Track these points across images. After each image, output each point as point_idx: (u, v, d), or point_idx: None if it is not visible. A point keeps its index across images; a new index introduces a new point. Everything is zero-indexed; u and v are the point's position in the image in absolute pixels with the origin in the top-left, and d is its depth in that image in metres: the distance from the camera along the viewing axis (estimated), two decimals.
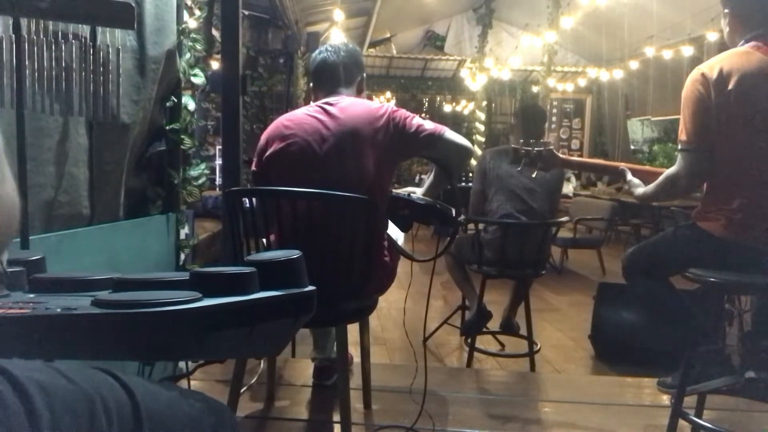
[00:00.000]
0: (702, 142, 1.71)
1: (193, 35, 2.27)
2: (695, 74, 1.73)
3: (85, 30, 1.64)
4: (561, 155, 2.12)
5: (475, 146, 8.89)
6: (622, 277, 2.09)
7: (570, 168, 2.23)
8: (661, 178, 1.83)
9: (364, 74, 1.97)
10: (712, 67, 1.71)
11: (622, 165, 2.02)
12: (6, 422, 0.47)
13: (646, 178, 1.97)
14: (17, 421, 0.48)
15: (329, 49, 1.90)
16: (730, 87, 1.65)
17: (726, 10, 1.79)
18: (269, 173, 1.80)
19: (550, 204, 2.92)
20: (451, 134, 1.77)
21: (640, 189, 1.91)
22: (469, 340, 2.92)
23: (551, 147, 2.07)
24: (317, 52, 1.93)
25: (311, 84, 1.96)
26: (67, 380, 0.56)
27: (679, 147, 1.76)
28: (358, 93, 1.92)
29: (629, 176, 1.95)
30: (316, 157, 1.71)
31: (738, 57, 1.72)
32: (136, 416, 0.60)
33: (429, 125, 1.76)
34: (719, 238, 1.74)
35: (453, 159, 1.80)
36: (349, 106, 1.77)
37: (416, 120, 1.76)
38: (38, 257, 0.91)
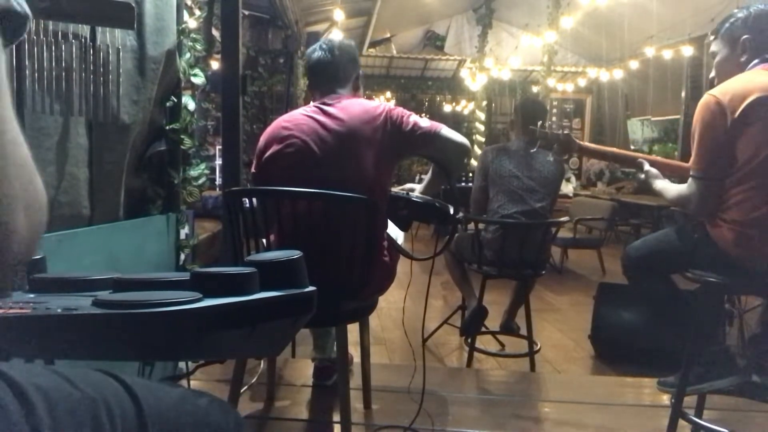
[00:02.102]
0: (712, 170, 1.68)
1: (193, 35, 2.27)
2: (707, 99, 1.68)
3: (85, 30, 1.64)
4: (579, 141, 2.09)
5: (475, 146, 8.90)
6: (622, 273, 2.06)
7: (587, 155, 2.19)
8: (676, 192, 1.81)
9: (360, 71, 1.96)
10: (723, 91, 1.66)
11: (641, 157, 1.99)
12: (6, 428, 0.47)
13: (663, 170, 1.94)
14: (18, 427, 0.47)
15: (323, 47, 1.88)
16: (746, 106, 1.61)
17: (747, 36, 1.72)
18: (268, 174, 1.80)
19: (549, 200, 2.93)
20: (447, 131, 1.77)
21: (659, 182, 1.88)
22: (469, 340, 2.92)
23: (568, 132, 2.09)
24: (311, 49, 1.92)
25: (308, 83, 1.95)
26: (69, 384, 0.56)
27: (691, 173, 1.73)
28: (355, 90, 1.92)
29: (647, 166, 1.93)
30: (315, 158, 1.71)
31: (750, 78, 1.68)
32: (140, 420, 0.60)
33: (425, 123, 1.76)
34: (726, 253, 1.70)
35: (451, 157, 1.79)
36: (347, 106, 1.77)
37: (413, 118, 1.76)
38: (39, 257, 0.91)
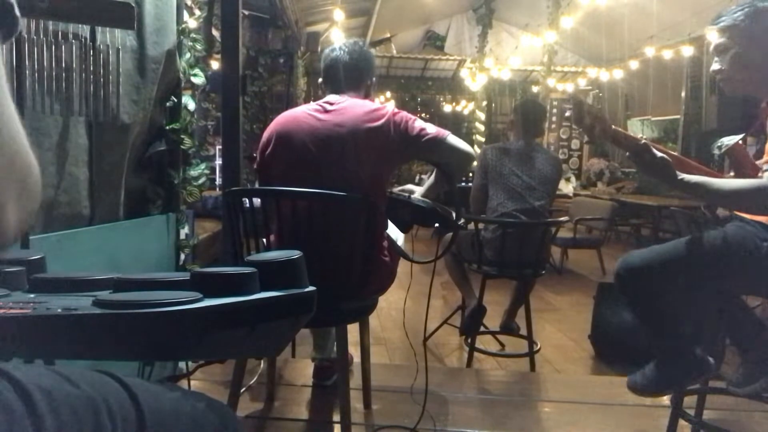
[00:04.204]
0: None
1: (193, 35, 2.27)
2: None
3: (85, 30, 1.64)
4: (614, 127, 1.70)
5: (475, 146, 8.89)
6: (621, 290, 1.75)
7: (614, 141, 1.72)
8: (742, 185, 1.53)
9: (374, 79, 1.96)
10: None
11: (665, 154, 1.61)
12: (10, 428, 0.47)
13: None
14: (21, 427, 0.48)
15: (343, 48, 1.89)
16: None
17: None
18: (270, 171, 1.80)
19: (548, 198, 2.93)
20: (453, 139, 1.76)
21: (690, 176, 1.54)
22: (469, 340, 2.92)
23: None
24: (330, 49, 1.92)
25: (320, 80, 1.94)
26: (71, 384, 0.56)
27: None
28: (366, 97, 1.90)
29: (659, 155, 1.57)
30: (314, 157, 1.71)
31: None
32: (140, 420, 0.60)
33: (431, 129, 1.75)
34: None
35: (454, 163, 1.80)
36: (350, 106, 1.76)
37: (418, 123, 1.76)
38: (39, 257, 0.91)
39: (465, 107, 11.62)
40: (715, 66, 1.69)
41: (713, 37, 1.69)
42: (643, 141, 1.59)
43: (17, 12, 0.49)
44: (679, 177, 1.53)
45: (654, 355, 1.81)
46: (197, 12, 2.38)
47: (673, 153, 1.74)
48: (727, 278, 1.65)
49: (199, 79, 2.29)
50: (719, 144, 1.78)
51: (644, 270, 1.67)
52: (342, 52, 1.87)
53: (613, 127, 1.67)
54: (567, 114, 2.27)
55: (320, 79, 1.94)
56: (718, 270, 1.63)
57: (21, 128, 0.48)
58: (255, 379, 2.27)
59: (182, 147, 2.22)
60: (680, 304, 1.69)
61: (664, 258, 1.68)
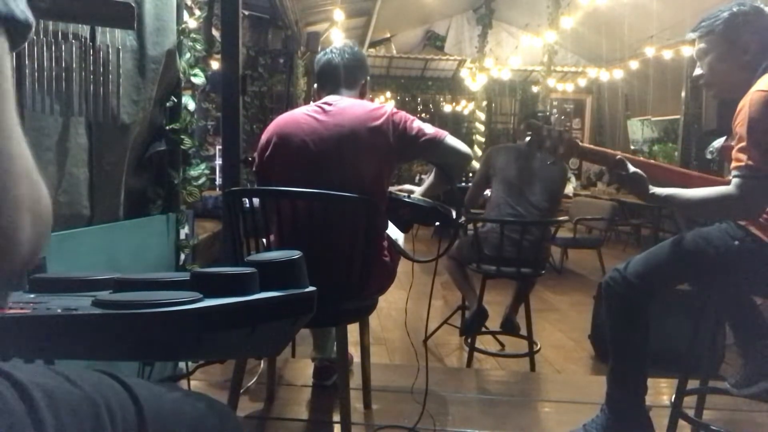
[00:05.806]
0: None
1: (193, 35, 2.27)
2: (764, 96, 1.45)
3: (85, 30, 1.64)
4: (581, 144, 1.76)
5: (475, 146, 8.90)
6: (613, 295, 1.75)
7: (584, 157, 1.80)
8: (708, 193, 1.54)
9: (368, 77, 1.97)
10: None
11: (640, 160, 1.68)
12: (10, 427, 0.47)
13: (651, 173, 1.64)
14: (21, 426, 0.48)
15: (334, 51, 1.90)
16: None
17: (750, 34, 1.57)
18: (269, 172, 1.80)
19: (549, 201, 2.95)
20: (451, 140, 1.77)
21: (661, 189, 1.59)
22: (468, 340, 2.93)
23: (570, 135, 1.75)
24: (322, 53, 1.93)
25: (315, 85, 1.96)
26: (71, 384, 0.56)
27: (741, 173, 1.46)
28: (361, 96, 1.92)
29: (632, 168, 1.60)
30: (314, 157, 1.72)
31: None
32: (140, 420, 0.60)
33: (430, 129, 1.76)
34: None
35: (452, 164, 1.80)
36: (348, 106, 1.77)
37: (417, 123, 1.76)
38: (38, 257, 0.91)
39: (465, 107, 11.60)
40: (697, 71, 1.72)
41: (696, 42, 1.71)
42: (618, 156, 1.63)
43: (30, 17, 0.48)
44: (651, 191, 1.58)
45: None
46: (197, 12, 2.37)
47: (653, 162, 1.79)
48: (702, 278, 1.70)
49: (199, 79, 2.29)
50: (710, 149, 1.82)
51: (638, 279, 1.70)
52: (333, 54, 1.89)
53: (581, 144, 1.73)
54: (527, 140, 2.25)
55: (315, 85, 1.95)
56: (695, 270, 1.69)
57: (30, 155, 0.46)
58: (255, 379, 2.27)
59: (182, 147, 2.22)
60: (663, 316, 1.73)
61: (651, 265, 1.71)
